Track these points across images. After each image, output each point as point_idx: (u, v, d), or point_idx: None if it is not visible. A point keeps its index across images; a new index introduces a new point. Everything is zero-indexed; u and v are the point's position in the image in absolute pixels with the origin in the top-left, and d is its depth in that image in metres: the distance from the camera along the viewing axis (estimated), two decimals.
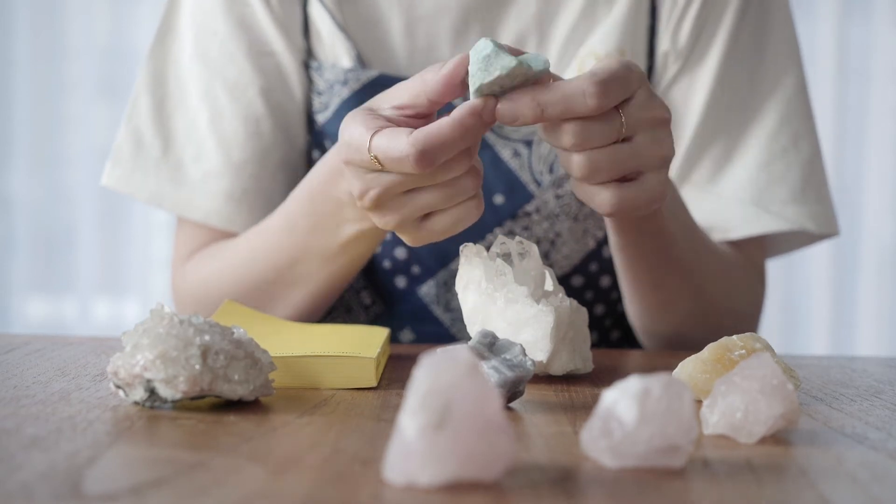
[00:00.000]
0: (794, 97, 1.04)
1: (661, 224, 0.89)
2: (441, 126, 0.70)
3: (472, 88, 0.70)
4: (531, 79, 0.70)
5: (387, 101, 0.76)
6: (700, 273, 0.97)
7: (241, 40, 1.02)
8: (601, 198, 0.74)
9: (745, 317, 1.05)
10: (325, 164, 0.89)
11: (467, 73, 0.71)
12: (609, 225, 0.90)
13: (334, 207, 0.88)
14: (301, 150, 1.05)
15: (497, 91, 0.70)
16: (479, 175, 0.74)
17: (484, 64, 0.69)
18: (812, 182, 1.03)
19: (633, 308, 0.99)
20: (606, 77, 0.70)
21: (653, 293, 0.96)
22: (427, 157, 0.69)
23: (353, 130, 0.74)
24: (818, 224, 1.02)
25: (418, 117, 0.75)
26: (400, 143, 0.70)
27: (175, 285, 1.05)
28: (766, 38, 1.04)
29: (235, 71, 1.02)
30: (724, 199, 1.02)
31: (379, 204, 0.75)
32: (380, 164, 0.72)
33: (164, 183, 1.02)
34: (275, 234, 0.94)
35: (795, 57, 1.05)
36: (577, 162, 0.72)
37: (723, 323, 1.00)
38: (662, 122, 0.74)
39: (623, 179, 0.74)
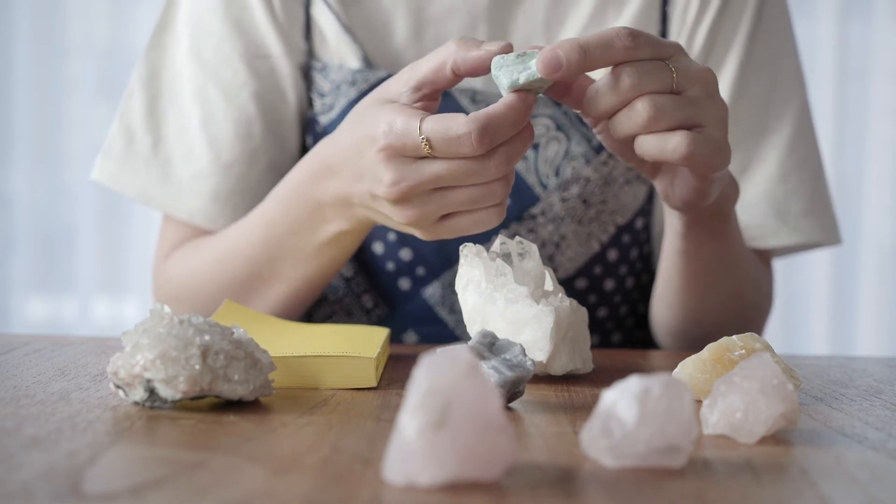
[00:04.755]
0: (803, 114, 1.07)
1: (727, 225, 0.91)
2: (497, 107, 0.72)
3: (506, 83, 0.72)
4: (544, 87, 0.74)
5: (402, 83, 0.77)
6: (739, 279, 0.99)
7: (237, 42, 1.02)
8: (674, 142, 0.73)
9: (762, 319, 1.08)
10: (307, 165, 0.88)
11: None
12: (677, 231, 0.91)
13: (314, 208, 0.88)
14: (292, 153, 1.05)
15: (529, 87, 0.73)
16: (510, 183, 0.76)
17: (520, 61, 0.73)
18: (821, 197, 1.06)
19: (670, 313, 1.01)
20: (635, 28, 0.73)
21: (699, 298, 0.98)
22: (487, 134, 0.71)
23: (397, 117, 0.75)
24: (827, 236, 1.06)
25: (431, 99, 0.77)
26: (458, 123, 0.72)
27: (155, 281, 1.06)
28: (778, 52, 1.06)
29: (230, 72, 1.02)
30: (744, 209, 1.04)
31: (406, 197, 0.76)
32: (430, 147, 0.73)
33: (152, 180, 1.03)
34: (252, 232, 0.94)
35: (801, 76, 1.08)
36: (641, 107, 0.73)
37: (746, 325, 1.02)
38: (711, 79, 0.75)
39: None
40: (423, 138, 0.73)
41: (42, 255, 2.50)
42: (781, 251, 1.10)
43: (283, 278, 0.94)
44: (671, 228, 0.92)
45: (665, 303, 1.01)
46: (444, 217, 0.77)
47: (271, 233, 0.92)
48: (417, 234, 0.79)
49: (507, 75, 0.73)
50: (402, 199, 0.76)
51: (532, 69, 0.72)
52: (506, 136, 0.73)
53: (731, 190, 0.87)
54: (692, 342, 1.02)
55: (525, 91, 0.73)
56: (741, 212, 1.04)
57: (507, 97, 0.73)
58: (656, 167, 0.83)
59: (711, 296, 0.98)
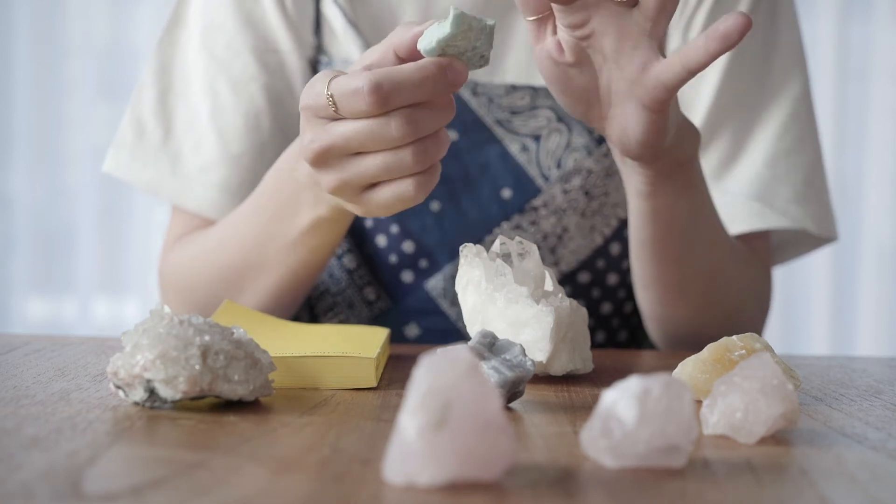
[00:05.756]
0: (800, 101, 1.05)
1: (692, 177, 0.88)
2: (401, 66, 0.70)
3: (427, 46, 0.70)
4: (485, 36, 0.70)
5: (355, 65, 0.76)
6: (717, 253, 0.96)
7: (247, 36, 1.03)
8: None
9: (753, 315, 1.05)
10: (290, 148, 0.89)
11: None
12: (640, 192, 0.88)
13: (294, 189, 0.87)
14: None
15: (454, 53, 0.71)
16: (427, 155, 0.73)
17: (439, 27, 0.70)
18: (814, 185, 1.04)
19: (648, 294, 0.98)
20: None
21: (673, 271, 0.94)
22: (381, 90, 0.69)
23: (315, 78, 0.74)
24: (819, 225, 1.03)
25: None
26: (356, 78, 0.70)
27: (160, 271, 1.07)
28: (775, 40, 1.06)
29: (240, 66, 1.03)
30: (729, 193, 1.03)
31: (322, 158, 0.74)
32: (335, 104, 0.71)
33: (162, 171, 1.03)
34: (241, 220, 0.95)
35: (801, 63, 1.06)
36: None
37: (732, 317, 1.00)
38: None
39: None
40: (328, 95, 0.72)
41: (42, 255, 2.50)
42: (780, 253, 1.09)
43: (270, 267, 0.94)
44: (633, 192, 0.89)
45: (642, 283, 0.97)
46: (367, 189, 0.76)
47: (258, 219, 0.92)
48: (350, 208, 0.78)
49: (422, 43, 0.71)
50: (318, 161, 0.75)
51: (445, 28, 0.69)
52: (407, 98, 0.70)
53: (689, 134, 0.85)
54: (678, 334, 1.00)
55: (450, 57, 0.70)
56: (726, 196, 1.02)
57: (424, 59, 0.70)
58: (604, 113, 0.81)
59: (686, 269, 0.95)
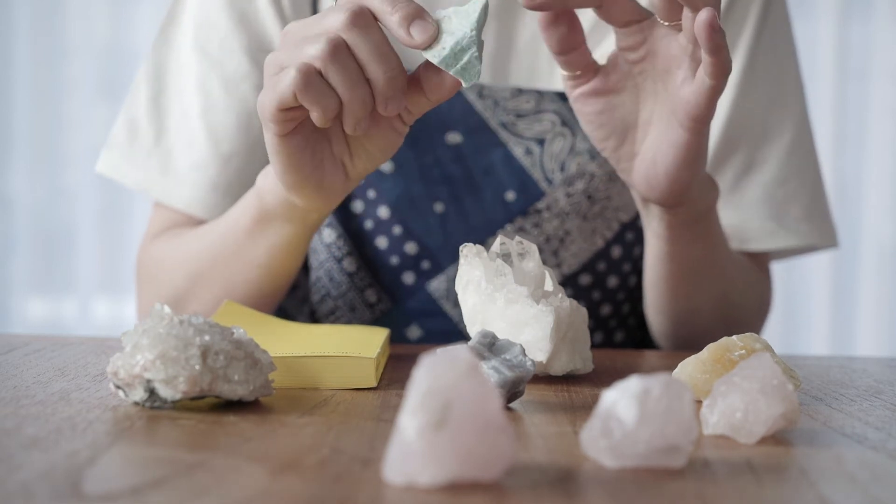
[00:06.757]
0: (804, 119, 1.08)
1: (708, 226, 0.91)
2: None
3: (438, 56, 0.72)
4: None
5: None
6: (726, 280, 1.00)
7: (241, 35, 1.03)
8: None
9: (757, 320, 1.09)
10: (265, 171, 0.88)
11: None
12: (658, 235, 0.91)
13: (259, 213, 0.90)
14: None
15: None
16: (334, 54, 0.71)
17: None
18: (818, 200, 1.08)
19: (661, 318, 1.02)
20: None
21: (685, 301, 0.98)
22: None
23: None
24: (824, 240, 1.08)
25: None
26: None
27: (137, 261, 1.07)
28: (780, 58, 1.08)
29: (233, 64, 1.03)
30: (743, 210, 1.05)
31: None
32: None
33: (152, 171, 1.04)
34: (214, 228, 0.96)
35: (801, 80, 1.10)
36: None
37: (740, 325, 1.03)
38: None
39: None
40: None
41: (42, 255, 2.50)
42: (779, 254, 1.10)
43: (220, 281, 0.96)
44: (652, 234, 0.92)
45: (655, 309, 1.01)
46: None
47: (223, 232, 0.94)
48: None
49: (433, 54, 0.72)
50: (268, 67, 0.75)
51: (445, 49, 0.71)
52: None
53: (710, 187, 0.88)
54: (686, 343, 1.03)
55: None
56: (739, 214, 1.04)
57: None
58: (636, 148, 0.83)
59: (698, 298, 0.98)
